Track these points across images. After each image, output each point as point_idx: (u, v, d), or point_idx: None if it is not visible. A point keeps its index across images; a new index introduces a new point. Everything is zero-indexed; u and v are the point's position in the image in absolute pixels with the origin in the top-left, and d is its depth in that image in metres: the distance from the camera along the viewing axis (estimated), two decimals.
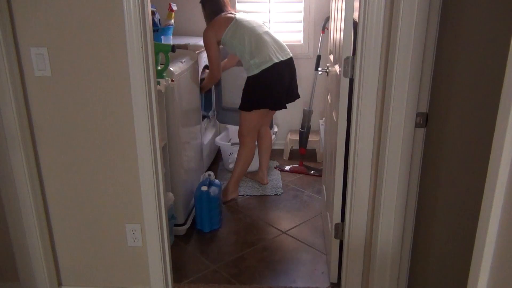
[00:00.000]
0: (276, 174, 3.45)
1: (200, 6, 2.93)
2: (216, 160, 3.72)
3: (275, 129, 3.80)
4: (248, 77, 2.79)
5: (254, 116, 2.86)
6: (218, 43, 2.79)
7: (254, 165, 3.36)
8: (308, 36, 3.76)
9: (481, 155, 1.13)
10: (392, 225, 1.73)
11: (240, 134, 2.97)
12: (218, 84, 3.46)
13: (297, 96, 2.99)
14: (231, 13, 2.82)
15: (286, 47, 2.86)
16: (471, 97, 1.28)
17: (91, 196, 1.85)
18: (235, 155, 3.15)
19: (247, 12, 3.04)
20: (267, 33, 2.80)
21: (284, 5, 3.71)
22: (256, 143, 3.10)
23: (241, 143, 2.98)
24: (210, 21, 2.82)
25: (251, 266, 2.27)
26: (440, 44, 1.51)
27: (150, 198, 1.82)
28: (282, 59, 2.75)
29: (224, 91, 3.54)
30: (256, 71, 2.72)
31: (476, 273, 0.94)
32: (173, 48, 2.28)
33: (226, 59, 3.22)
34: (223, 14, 2.80)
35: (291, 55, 2.84)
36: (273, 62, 2.71)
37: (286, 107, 2.92)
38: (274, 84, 2.77)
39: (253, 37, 2.74)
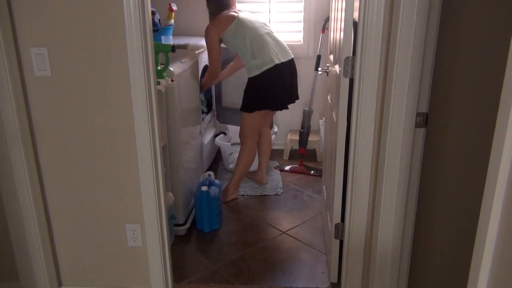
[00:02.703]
0: (276, 174, 3.45)
1: (200, 5, 2.94)
2: (216, 160, 3.72)
3: (275, 129, 3.80)
4: (249, 78, 2.79)
5: (255, 117, 2.87)
6: (220, 41, 2.79)
7: (253, 165, 3.36)
8: (308, 36, 3.76)
9: (481, 155, 1.13)
10: (392, 225, 1.73)
11: (241, 135, 2.97)
12: (218, 84, 3.46)
13: (297, 97, 3.01)
14: (234, 12, 2.81)
15: (288, 48, 2.87)
16: (471, 97, 1.28)
17: (91, 196, 1.85)
18: (235, 155, 3.15)
19: (252, 12, 3.02)
20: (268, 34, 2.80)
21: (284, 5, 3.70)
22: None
23: (242, 144, 2.98)
24: (214, 18, 2.81)
25: (251, 266, 2.27)
26: (440, 44, 1.51)
27: (150, 198, 1.82)
28: (283, 60, 2.76)
29: (224, 91, 3.54)
30: (257, 72, 2.72)
31: (476, 273, 0.94)
32: (173, 48, 2.28)
33: (232, 62, 3.20)
34: (226, 12, 2.79)
35: (292, 56, 2.85)
36: (274, 63, 2.71)
37: (287, 108, 2.93)
38: (275, 85, 2.78)
39: (254, 38, 2.73)
